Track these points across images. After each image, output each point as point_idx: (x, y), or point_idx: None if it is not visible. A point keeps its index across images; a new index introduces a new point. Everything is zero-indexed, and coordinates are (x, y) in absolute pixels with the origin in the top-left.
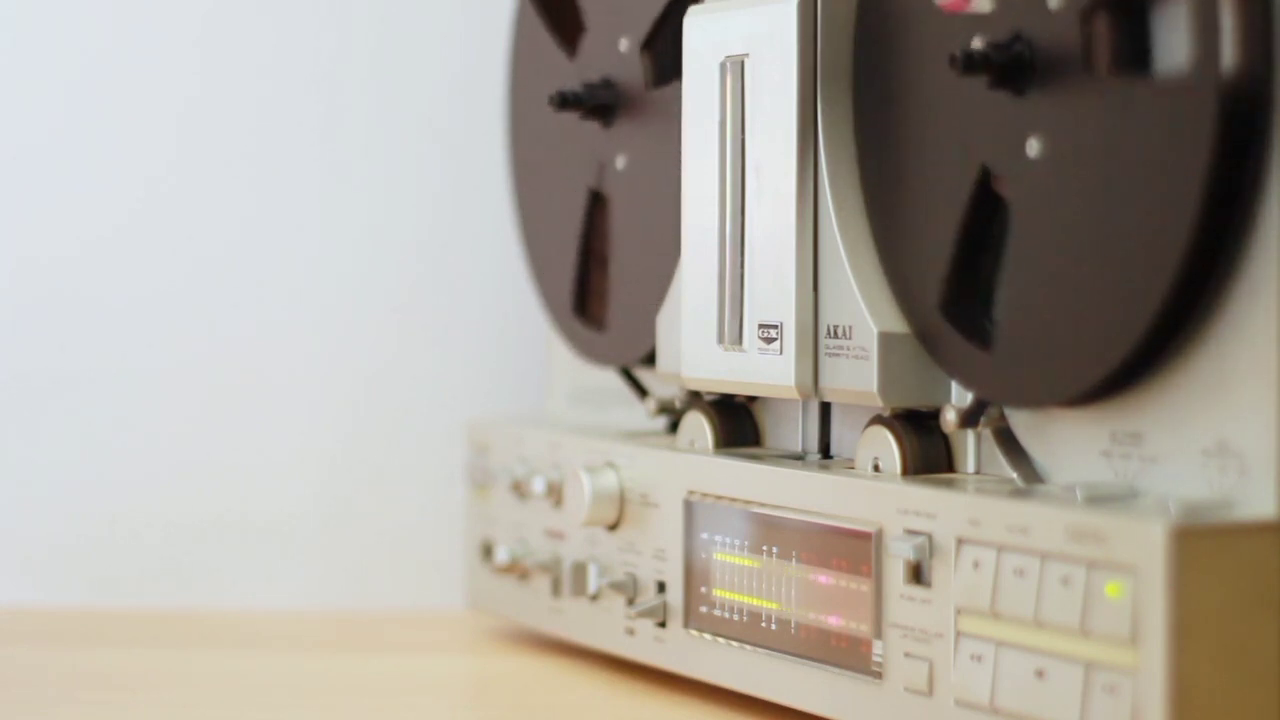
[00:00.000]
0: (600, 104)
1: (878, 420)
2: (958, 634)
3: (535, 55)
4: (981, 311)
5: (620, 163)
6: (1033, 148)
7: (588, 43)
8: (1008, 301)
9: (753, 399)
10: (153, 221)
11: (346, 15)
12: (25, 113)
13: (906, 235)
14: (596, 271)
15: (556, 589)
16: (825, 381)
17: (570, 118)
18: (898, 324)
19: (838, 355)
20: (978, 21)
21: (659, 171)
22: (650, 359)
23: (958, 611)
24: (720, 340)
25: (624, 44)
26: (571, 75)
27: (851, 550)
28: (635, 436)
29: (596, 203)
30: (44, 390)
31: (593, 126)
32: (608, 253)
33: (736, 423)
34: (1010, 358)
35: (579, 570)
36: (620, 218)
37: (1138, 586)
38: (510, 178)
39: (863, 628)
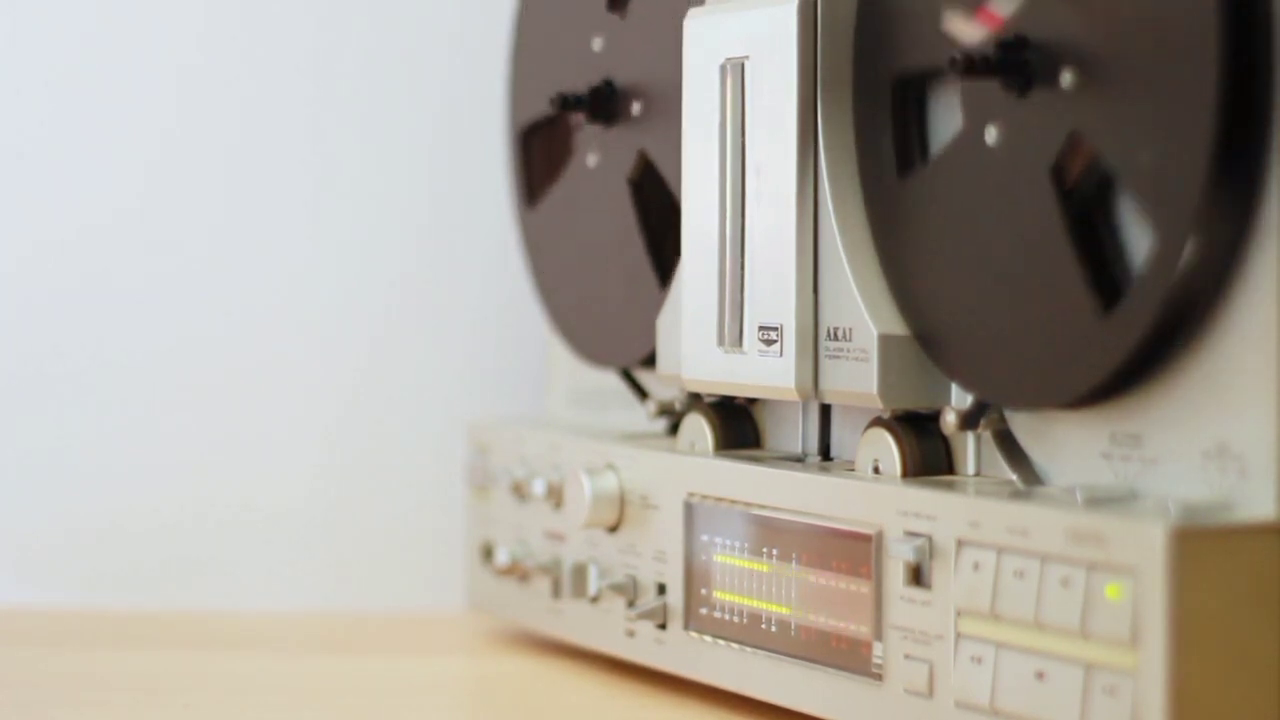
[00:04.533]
0: (600, 105)
1: (878, 422)
2: (958, 635)
3: (536, 54)
4: (981, 313)
5: (622, 163)
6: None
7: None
8: (1008, 303)
9: (753, 401)
10: (149, 219)
11: (343, 11)
12: (19, 108)
13: (907, 237)
14: (597, 271)
15: (557, 590)
16: (825, 383)
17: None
18: (898, 326)
19: (838, 357)
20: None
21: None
22: (650, 360)
23: (958, 613)
24: (720, 342)
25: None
26: (573, 70)
27: (851, 552)
28: (635, 438)
29: (598, 204)
30: (40, 390)
31: (592, 127)
32: (609, 253)
33: (737, 424)
34: (1010, 359)
35: (579, 572)
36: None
37: (1138, 588)
38: (510, 177)
39: (863, 629)
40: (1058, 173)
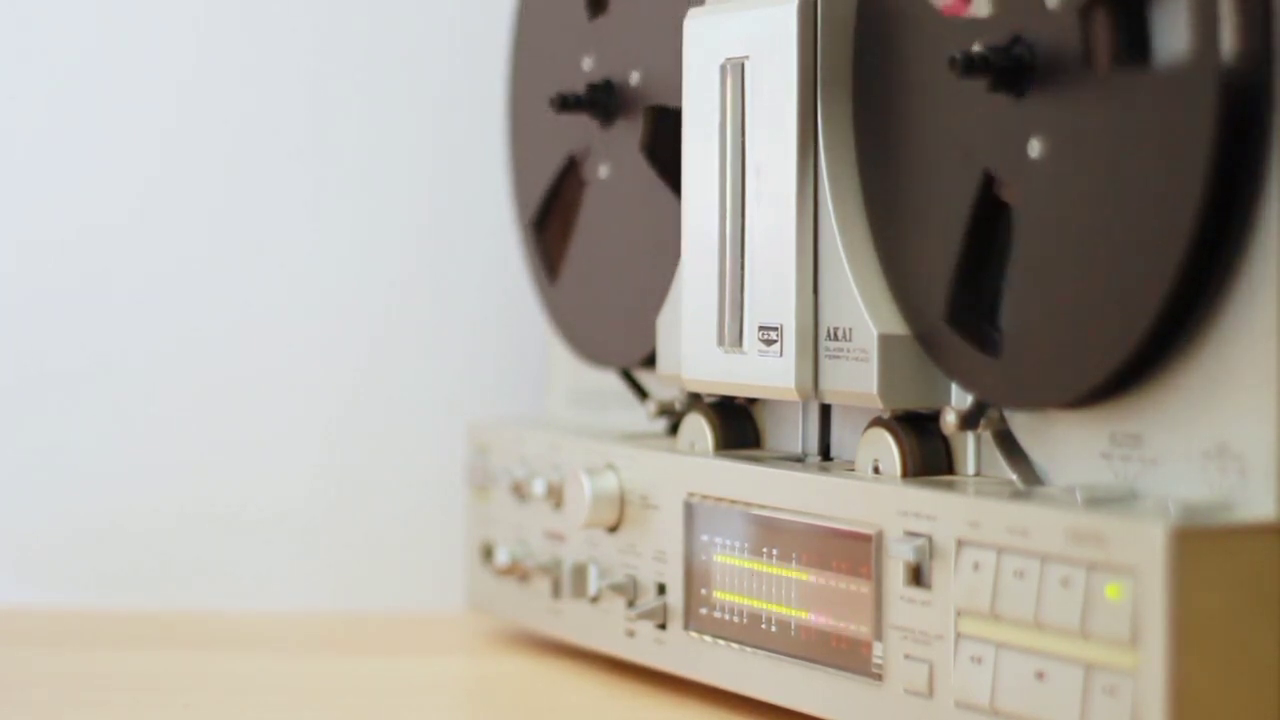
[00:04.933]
0: (600, 105)
1: (878, 422)
2: (958, 635)
3: (536, 54)
4: (982, 314)
5: (620, 164)
6: (1034, 148)
7: (604, 24)
8: (1008, 304)
9: (753, 401)
10: (149, 220)
11: (342, 12)
12: (20, 108)
13: (907, 238)
14: (597, 272)
15: (557, 591)
16: (825, 383)
17: (570, 118)
18: (898, 326)
19: (838, 357)
20: (977, 24)
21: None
22: (650, 361)
23: (958, 613)
24: (720, 342)
25: (635, 77)
26: (582, 44)
27: (851, 552)
28: (635, 438)
29: (598, 204)
30: (40, 390)
31: (593, 127)
32: (609, 253)
33: (737, 424)
34: (1010, 360)
35: (579, 572)
36: (620, 219)
37: (1138, 588)
38: (510, 178)
39: (863, 629)
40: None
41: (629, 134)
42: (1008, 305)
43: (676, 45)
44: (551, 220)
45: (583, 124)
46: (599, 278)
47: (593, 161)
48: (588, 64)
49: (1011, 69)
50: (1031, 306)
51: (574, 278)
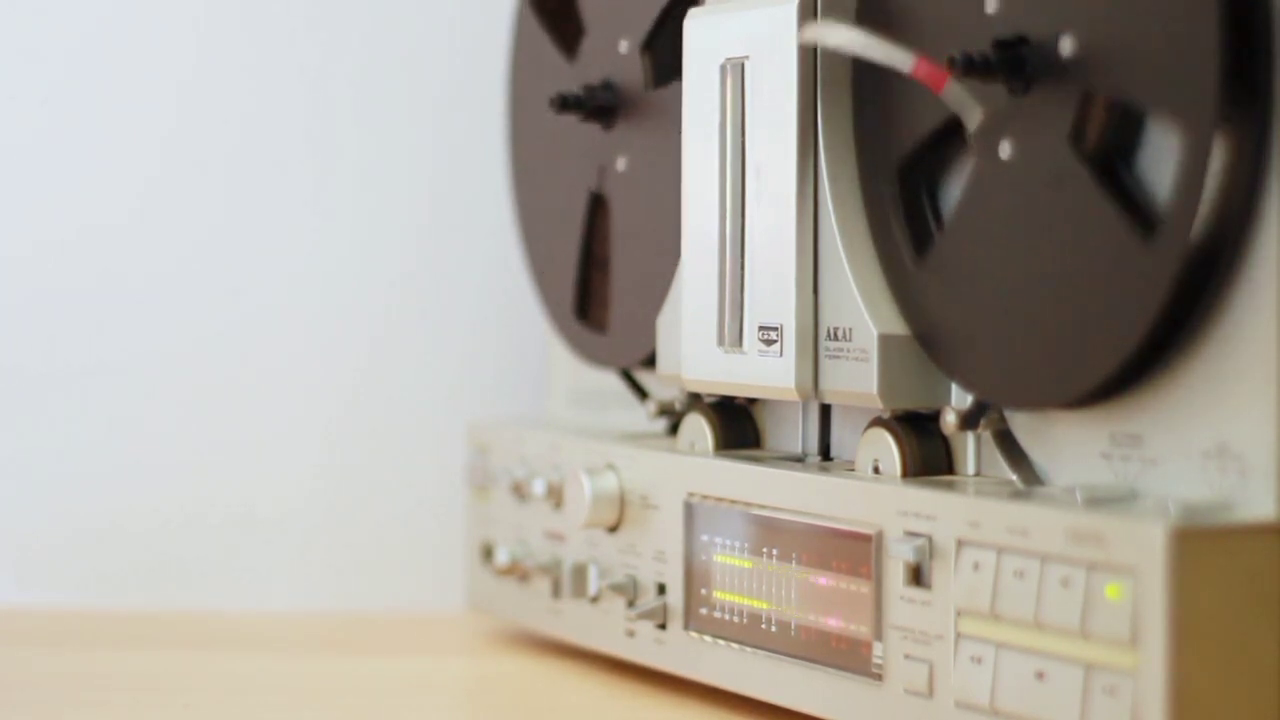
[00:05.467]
0: (600, 106)
1: (878, 422)
2: (958, 636)
3: (535, 56)
4: (981, 313)
5: (620, 165)
6: (1004, 150)
7: (588, 45)
8: (1007, 303)
9: (753, 401)
10: (150, 220)
11: (342, 12)
12: (19, 108)
13: (910, 246)
14: (597, 274)
15: (556, 591)
16: (825, 383)
17: (570, 119)
18: (898, 326)
19: (838, 357)
20: (977, 24)
21: (659, 174)
22: (650, 361)
23: (958, 613)
24: (720, 342)
25: (624, 45)
26: (571, 77)
27: (851, 552)
28: (635, 438)
29: (597, 205)
30: (41, 389)
31: (593, 128)
32: (608, 255)
33: (736, 424)
34: (1010, 360)
35: (579, 572)
36: (620, 220)
37: (1138, 588)
38: (510, 179)
39: (863, 629)
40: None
41: (629, 134)
42: (1008, 304)
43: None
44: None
45: (584, 136)
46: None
47: (600, 167)
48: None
49: (1009, 68)
50: (1032, 306)
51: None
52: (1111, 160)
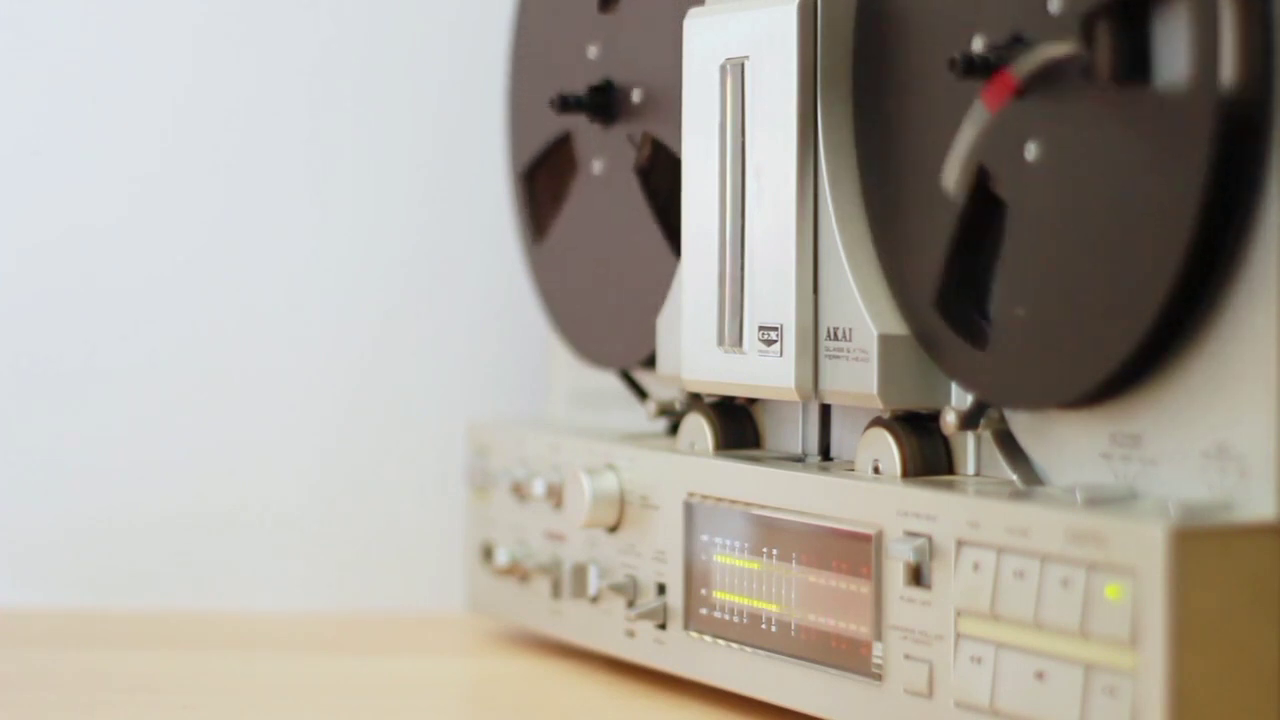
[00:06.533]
0: (601, 107)
1: (878, 422)
2: (958, 636)
3: (536, 53)
4: (981, 314)
5: (620, 163)
6: (1030, 151)
7: (614, 21)
8: (1007, 304)
9: (753, 401)
10: (149, 220)
11: (342, 12)
12: (19, 108)
13: (906, 237)
14: (598, 273)
15: (557, 591)
16: (825, 383)
17: (570, 118)
18: (897, 326)
19: (838, 357)
20: (977, 24)
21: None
22: (650, 361)
23: (958, 613)
24: (720, 342)
25: (636, 96)
26: (576, 66)
27: (851, 552)
28: (635, 438)
29: (597, 205)
30: (40, 390)
31: (593, 128)
32: (609, 254)
33: (736, 425)
34: (1010, 360)
35: (579, 572)
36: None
37: (1137, 588)
38: (510, 178)
39: (863, 630)
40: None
41: (633, 123)
42: (1008, 305)
43: (679, 48)
44: (540, 181)
45: (584, 135)
46: (599, 277)
47: (588, 156)
48: (592, 52)
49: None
50: (1032, 306)
51: (573, 274)
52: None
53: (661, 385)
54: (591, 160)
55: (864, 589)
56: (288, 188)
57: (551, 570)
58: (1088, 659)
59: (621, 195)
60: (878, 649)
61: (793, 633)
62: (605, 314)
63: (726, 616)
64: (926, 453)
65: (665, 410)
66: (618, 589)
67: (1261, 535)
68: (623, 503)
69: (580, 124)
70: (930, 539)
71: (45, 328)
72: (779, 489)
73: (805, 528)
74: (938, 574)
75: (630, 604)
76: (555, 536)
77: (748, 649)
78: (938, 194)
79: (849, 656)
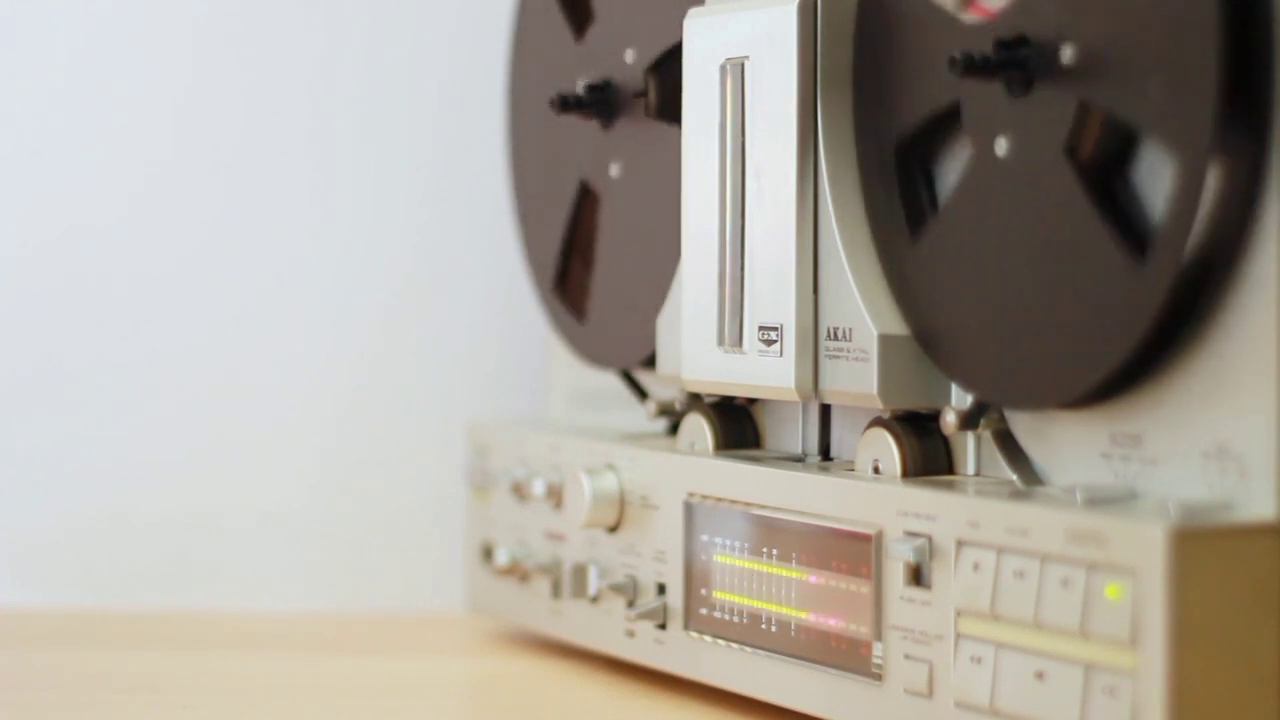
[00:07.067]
0: (601, 107)
1: (878, 422)
2: (958, 636)
3: (537, 54)
4: (981, 314)
5: (621, 165)
6: (1001, 147)
7: (594, 34)
8: (1007, 303)
9: (753, 401)
10: (149, 220)
11: (342, 12)
12: (20, 107)
13: (906, 237)
14: (597, 273)
15: (556, 591)
16: (825, 383)
17: (571, 118)
18: (897, 326)
19: (838, 357)
20: (978, 23)
21: (660, 173)
22: (650, 361)
23: (958, 613)
24: (720, 342)
25: (630, 55)
26: (573, 66)
27: (851, 552)
28: (635, 438)
29: (597, 204)
30: (41, 390)
31: (594, 128)
32: (608, 254)
33: (736, 425)
34: (1010, 360)
35: (579, 572)
36: (621, 220)
37: (1137, 588)
38: (510, 177)
39: (863, 630)
40: (1072, 151)
41: (630, 134)
42: (1007, 304)
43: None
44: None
45: (585, 136)
46: (601, 278)
47: (599, 164)
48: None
49: (1012, 68)
50: (1031, 306)
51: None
52: (1107, 175)
53: (661, 385)
54: (608, 166)
55: (864, 589)
56: (288, 187)
57: (551, 570)
58: (1088, 659)
59: (634, 185)
60: (878, 649)
61: (793, 633)
62: (604, 312)
63: (726, 616)
64: (926, 453)
65: (665, 410)
66: (618, 589)
67: (1261, 535)
68: (623, 503)
69: (583, 142)
70: (930, 539)
71: (45, 328)
72: (779, 489)
73: (805, 528)
74: (938, 574)
75: (630, 604)
76: (555, 536)
77: (748, 649)
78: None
79: (849, 656)
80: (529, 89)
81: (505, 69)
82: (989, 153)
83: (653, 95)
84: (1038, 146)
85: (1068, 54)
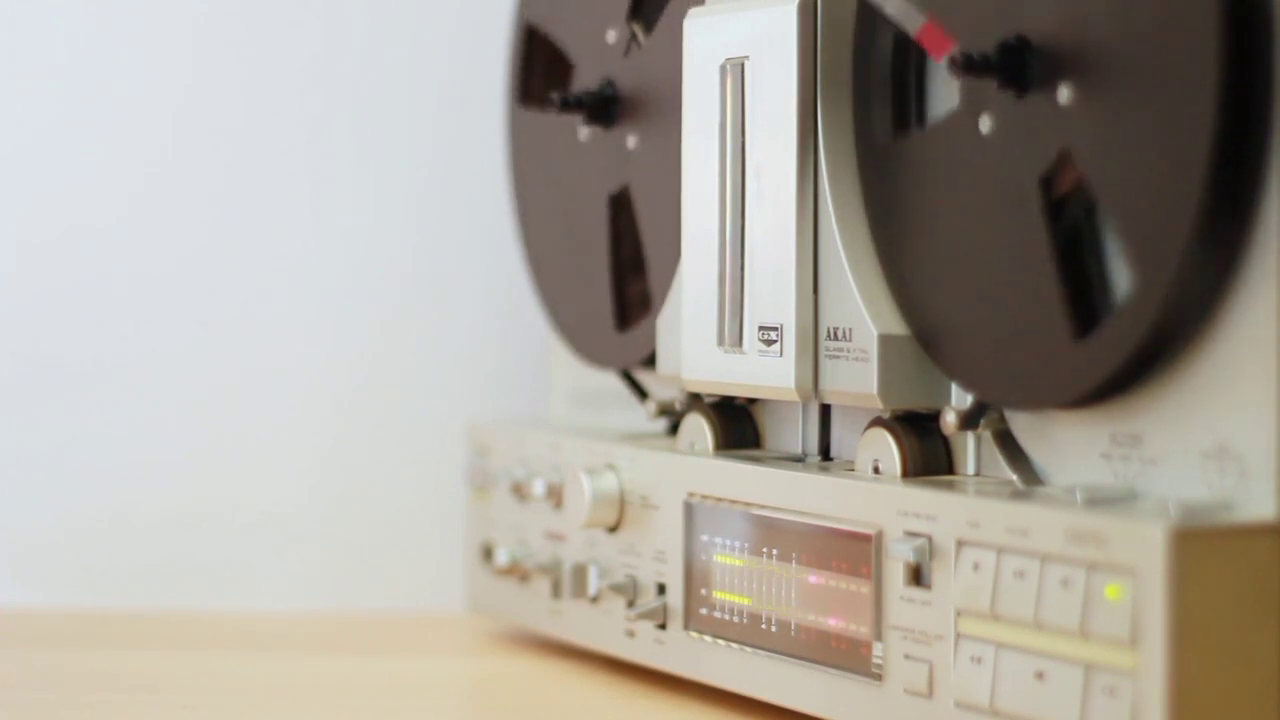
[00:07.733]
0: (601, 106)
1: (878, 422)
2: (958, 636)
3: (537, 55)
4: (981, 314)
5: (620, 164)
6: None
7: (580, 72)
8: (1007, 303)
9: (753, 401)
10: (149, 220)
11: (342, 11)
12: (22, 106)
13: (906, 237)
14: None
15: (557, 591)
16: (825, 383)
17: (571, 120)
18: (898, 326)
19: (838, 357)
20: (978, 23)
21: (661, 173)
22: (650, 361)
23: (958, 613)
24: (720, 342)
25: (611, 35)
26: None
27: (851, 552)
28: (635, 438)
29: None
30: (41, 390)
31: (593, 128)
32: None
33: (736, 425)
34: (1010, 360)
35: (579, 572)
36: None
37: (1137, 588)
38: (510, 178)
39: (863, 630)
40: (1046, 183)
41: (630, 132)
42: (1007, 304)
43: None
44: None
45: (584, 136)
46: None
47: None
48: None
49: (1011, 68)
50: (1031, 305)
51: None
52: (1074, 224)
53: (661, 385)
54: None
55: (864, 589)
56: (288, 188)
57: (551, 570)
58: (1088, 659)
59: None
60: (878, 649)
61: (793, 633)
62: (604, 312)
63: (726, 616)
64: (926, 453)
65: (665, 410)
66: (618, 589)
67: (1261, 535)
68: (623, 503)
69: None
70: (930, 539)
71: (45, 328)
72: (779, 489)
73: (805, 528)
74: (938, 574)
75: (630, 604)
76: (555, 536)
77: (748, 649)
78: (932, 170)
79: (849, 656)
80: (529, 100)
81: (505, 67)
82: (973, 127)
83: (639, 33)
84: (1019, 159)
85: (1064, 94)
